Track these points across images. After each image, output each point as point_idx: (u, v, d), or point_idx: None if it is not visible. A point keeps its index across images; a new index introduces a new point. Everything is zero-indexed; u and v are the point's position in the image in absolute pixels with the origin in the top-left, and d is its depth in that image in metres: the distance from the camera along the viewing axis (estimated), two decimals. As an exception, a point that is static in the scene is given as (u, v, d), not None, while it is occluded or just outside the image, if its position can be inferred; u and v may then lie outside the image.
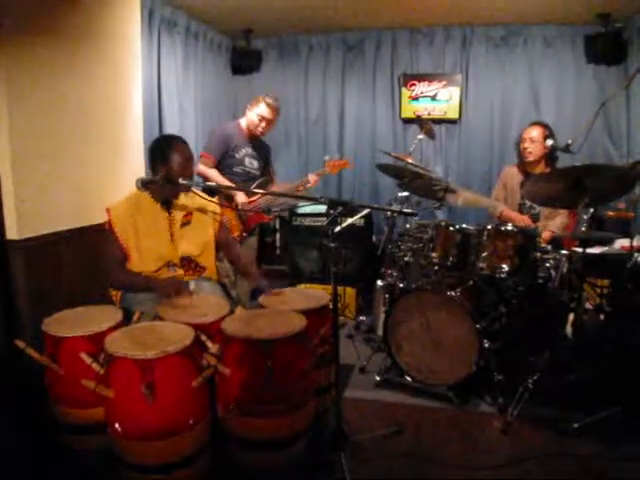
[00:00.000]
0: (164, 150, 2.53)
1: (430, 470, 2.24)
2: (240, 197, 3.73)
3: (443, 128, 5.06)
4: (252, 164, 3.90)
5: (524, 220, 3.56)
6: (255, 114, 3.79)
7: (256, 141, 3.94)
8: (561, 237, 3.42)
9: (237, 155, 3.81)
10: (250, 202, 3.78)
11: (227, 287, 2.98)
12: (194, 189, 2.69)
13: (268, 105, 3.77)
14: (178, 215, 2.65)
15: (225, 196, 3.74)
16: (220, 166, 3.78)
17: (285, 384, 2.07)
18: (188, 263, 2.68)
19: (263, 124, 3.80)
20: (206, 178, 3.70)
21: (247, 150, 3.86)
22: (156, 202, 2.61)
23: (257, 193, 3.75)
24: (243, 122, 3.90)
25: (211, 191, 3.30)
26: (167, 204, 2.63)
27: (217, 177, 3.70)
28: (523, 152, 3.66)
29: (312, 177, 3.97)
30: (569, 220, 3.56)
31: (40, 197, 2.76)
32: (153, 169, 2.57)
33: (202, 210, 2.72)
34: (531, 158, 3.61)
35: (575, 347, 2.91)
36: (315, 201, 2.20)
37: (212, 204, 2.76)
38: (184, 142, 2.62)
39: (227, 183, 3.72)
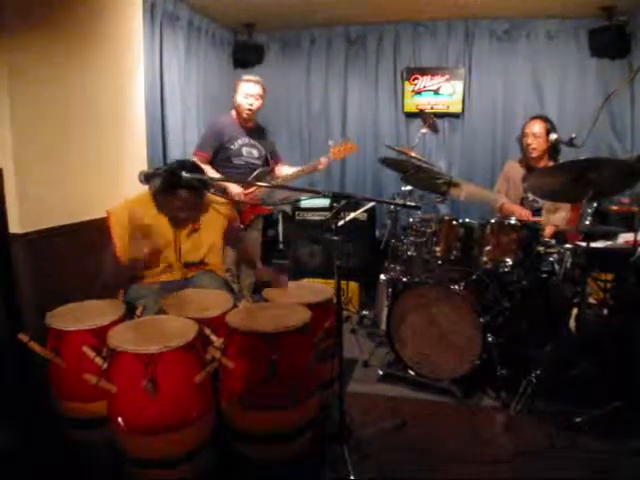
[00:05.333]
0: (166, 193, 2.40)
1: (433, 464, 2.24)
2: (234, 189, 3.65)
3: (446, 122, 5.03)
4: (251, 153, 3.82)
5: (525, 213, 3.53)
6: (240, 95, 3.70)
7: (251, 128, 3.84)
8: (564, 231, 3.41)
9: (233, 147, 3.73)
10: (246, 194, 3.70)
11: (229, 281, 2.97)
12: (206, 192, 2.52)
13: (247, 80, 3.72)
14: (185, 228, 2.57)
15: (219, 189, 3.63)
16: (218, 161, 3.72)
17: (289, 378, 2.07)
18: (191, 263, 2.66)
19: (250, 100, 3.69)
20: None
21: (243, 140, 3.78)
22: (162, 215, 2.49)
23: (253, 185, 3.68)
24: (233, 111, 3.82)
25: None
26: (174, 220, 2.51)
27: (210, 172, 3.59)
28: (527, 148, 3.63)
29: (324, 160, 3.85)
30: (572, 214, 3.54)
31: (43, 191, 2.76)
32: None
33: (211, 211, 2.63)
34: (535, 154, 3.59)
35: (578, 342, 2.90)
36: (318, 194, 2.19)
37: (221, 203, 2.68)
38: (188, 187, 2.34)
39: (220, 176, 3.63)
